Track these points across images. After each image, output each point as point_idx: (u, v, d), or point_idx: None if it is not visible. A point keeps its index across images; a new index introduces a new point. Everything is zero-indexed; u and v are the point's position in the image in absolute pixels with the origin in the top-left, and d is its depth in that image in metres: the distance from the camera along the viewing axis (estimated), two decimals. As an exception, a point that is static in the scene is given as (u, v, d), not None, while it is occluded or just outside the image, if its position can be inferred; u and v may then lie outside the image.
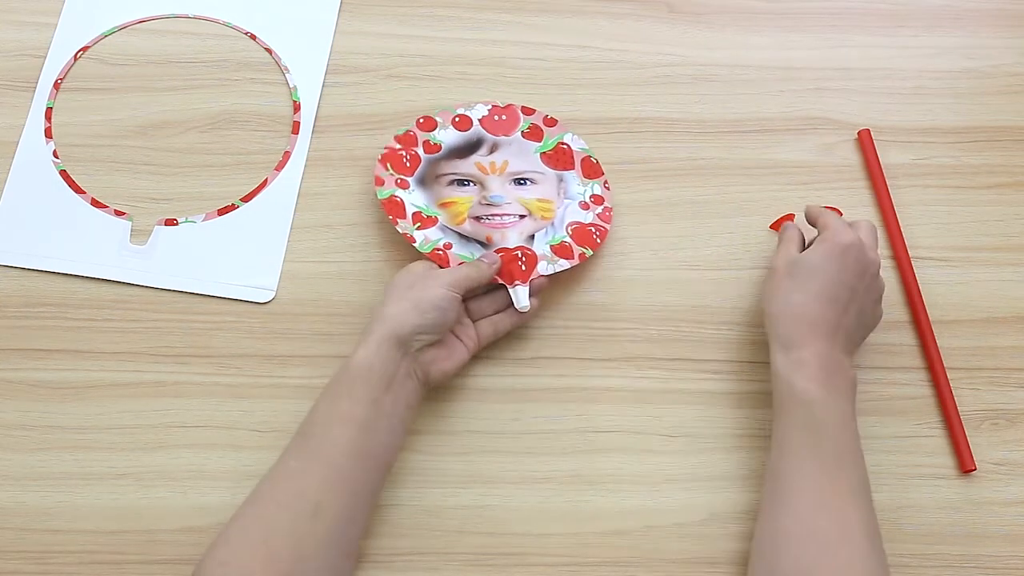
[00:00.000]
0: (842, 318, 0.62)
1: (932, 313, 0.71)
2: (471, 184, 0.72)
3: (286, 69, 0.79)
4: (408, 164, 0.72)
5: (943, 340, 0.71)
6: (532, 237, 0.70)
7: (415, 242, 0.69)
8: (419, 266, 0.66)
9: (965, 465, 0.67)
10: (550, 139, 0.75)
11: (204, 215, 0.73)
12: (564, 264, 0.69)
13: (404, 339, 0.61)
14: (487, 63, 0.80)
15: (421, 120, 0.75)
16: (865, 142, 0.77)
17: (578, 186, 0.73)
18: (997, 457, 0.68)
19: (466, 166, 0.73)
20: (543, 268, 0.69)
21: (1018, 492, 0.67)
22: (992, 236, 0.75)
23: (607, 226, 0.72)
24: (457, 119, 0.75)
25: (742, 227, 0.74)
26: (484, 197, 0.71)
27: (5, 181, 0.73)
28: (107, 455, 0.65)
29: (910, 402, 0.69)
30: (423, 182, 0.72)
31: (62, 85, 0.77)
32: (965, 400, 0.69)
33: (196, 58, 0.79)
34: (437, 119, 0.75)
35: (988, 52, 0.82)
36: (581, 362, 0.69)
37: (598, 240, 0.71)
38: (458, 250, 0.69)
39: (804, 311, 0.61)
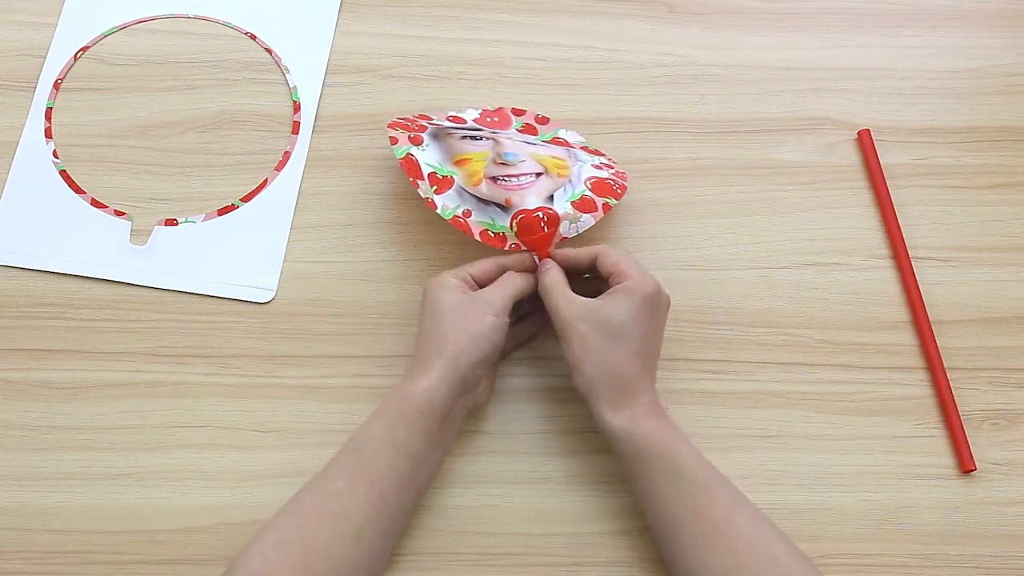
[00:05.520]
0: (655, 361, 0.63)
1: (932, 313, 0.71)
2: (484, 139, 0.71)
3: (286, 69, 0.79)
4: (420, 126, 0.72)
5: (943, 340, 0.71)
6: (551, 198, 0.68)
7: (436, 208, 0.67)
8: (453, 281, 0.63)
9: (965, 465, 0.67)
10: (545, 134, 0.75)
11: (204, 215, 0.73)
12: (588, 221, 0.67)
13: (465, 377, 0.60)
14: (487, 63, 0.80)
15: (417, 116, 0.75)
16: (865, 142, 0.77)
17: (586, 156, 0.73)
18: (997, 457, 0.68)
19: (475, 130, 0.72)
20: (565, 229, 0.67)
21: (1018, 492, 0.67)
22: (992, 236, 0.75)
23: (625, 183, 0.71)
24: (450, 117, 0.75)
25: (742, 227, 0.74)
26: (499, 154, 0.69)
27: (5, 181, 0.73)
28: (107, 455, 0.65)
29: (910, 402, 0.69)
30: (436, 136, 0.71)
31: (62, 85, 0.77)
32: (965, 400, 0.69)
33: (196, 58, 0.79)
34: (432, 116, 0.75)
35: (988, 52, 0.82)
36: (581, 362, 0.69)
37: (619, 191, 0.70)
38: (477, 216, 0.67)
39: (626, 370, 0.60)
